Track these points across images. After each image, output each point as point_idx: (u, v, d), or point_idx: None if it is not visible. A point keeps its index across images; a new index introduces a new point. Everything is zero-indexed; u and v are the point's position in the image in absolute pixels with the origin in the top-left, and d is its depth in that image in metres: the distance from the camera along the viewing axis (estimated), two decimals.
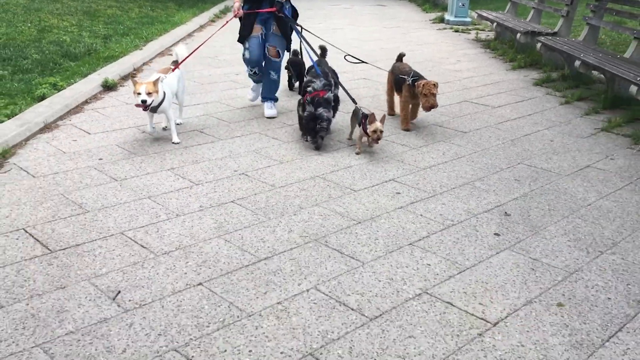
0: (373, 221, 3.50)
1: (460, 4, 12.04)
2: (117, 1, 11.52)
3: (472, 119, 5.66)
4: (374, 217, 3.54)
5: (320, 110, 4.54)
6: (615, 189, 4.12)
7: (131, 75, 6.20)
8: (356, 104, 4.86)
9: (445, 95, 6.39)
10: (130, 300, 2.64)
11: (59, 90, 5.63)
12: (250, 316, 2.57)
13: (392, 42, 9.75)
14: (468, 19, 12.06)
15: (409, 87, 5.19)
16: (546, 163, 4.57)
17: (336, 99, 4.94)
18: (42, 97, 5.38)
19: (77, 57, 7.03)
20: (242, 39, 5.27)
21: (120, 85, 6.28)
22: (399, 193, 3.90)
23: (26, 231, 3.20)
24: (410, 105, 5.30)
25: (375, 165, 4.39)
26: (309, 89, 4.67)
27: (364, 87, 6.67)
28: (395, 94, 5.55)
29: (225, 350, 2.35)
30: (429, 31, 11.28)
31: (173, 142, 4.65)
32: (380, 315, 2.61)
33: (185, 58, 4.95)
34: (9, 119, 4.76)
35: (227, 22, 5.31)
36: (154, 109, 4.54)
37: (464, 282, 2.91)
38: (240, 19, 5.22)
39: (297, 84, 6.31)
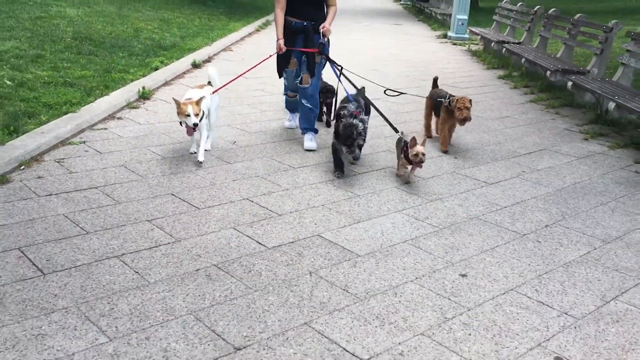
0: None
1: (460, 23, 14.98)
2: (181, 13, 14.72)
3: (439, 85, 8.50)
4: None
5: (357, 121, 4.60)
6: (517, 125, 6.93)
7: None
8: (397, 132, 5.03)
9: (426, 73, 9.25)
10: (241, 144, 5.54)
11: (165, 65, 8.64)
12: (292, 168, 5.45)
13: (400, 49, 12.69)
14: (466, 35, 14.95)
15: (446, 109, 5.60)
16: (481, 114, 7.38)
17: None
18: (156, 68, 8.38)
19: (167, 48, 10.06)
20: (280, 67, 5.56)
21: (203, 65, 9.29)
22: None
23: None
24: (449, 129, 5.74)
25: None
26: (344, 112, 4.76)
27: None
28: (434, 117, 6.08)
29: (287, 162, 5.22)
30: (432, 44, 14.23)
31: (198, 160, 4.88)
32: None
33: (223, 86, 5.43)
34: (143, 77, 7.75)
35: (270, 56, 5.65)
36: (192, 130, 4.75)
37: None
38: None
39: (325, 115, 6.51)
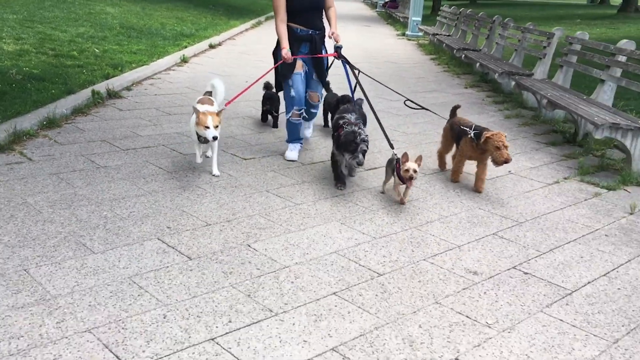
0: None
1: (414, 23, 19.14)
2: (190, 13, 18.73)
3: (386, 66, 12.55)
4: None
5: (359, 129, 4.64)
6: (427, 82, 10.95)
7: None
8: (393, 148, 4.88)
9: (379, 59, 13.31)
10: None
11: (191, 45, 12.57)
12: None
13: (363, 42, 16.78)
14: (420, 34, 19.10)
15: (470, 142, 4.99)
16: (407, 76, 11.40)
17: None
18: (186, 47, 12.29)
19: (188, 36, 13.99)
20: (283, 78, 5.49)
21: (216, 47, 13.24)
22: None
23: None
24: (477, 166, 5.11)
25: None
26: (342, 121, 4.81)
27: None
28: (456, 149, 5.39)
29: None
30: (391, 39, 18.36)
31: (213, 175, 4.99)
32: None
33: (234, 99, 5.52)
34: (179, 51, 11.68)
35: (276, 65, 5.60)
36: (207, 140, 4.66)
37: None
38: (279, 59, 5.46)
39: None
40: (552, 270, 3.79)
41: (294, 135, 5.76)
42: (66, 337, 2.75)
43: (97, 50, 10.47)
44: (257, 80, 5.89)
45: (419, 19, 19.18)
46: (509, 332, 3.07)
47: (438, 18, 17.26)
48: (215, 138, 4.58)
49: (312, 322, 3.03)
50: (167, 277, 3.36)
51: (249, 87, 5.76)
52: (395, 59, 13.61)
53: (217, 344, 2.80)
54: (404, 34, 19.63)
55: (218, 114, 4.63)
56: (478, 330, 3.07)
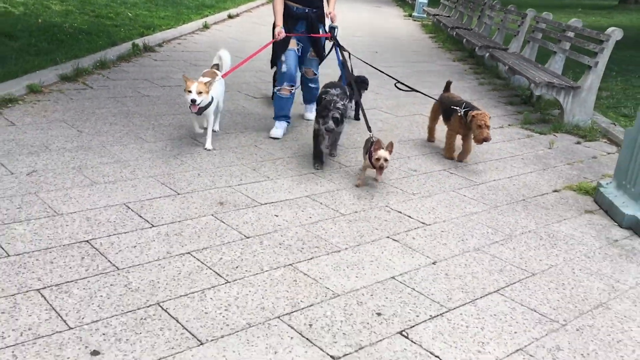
0: None
1: (421, 5, 20.54)
2: None
3: (387, 41, 14.03)
4: None
5: (337, 98, 4.83)
6: (422, 55, 12.45)
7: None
8: (370, 132, 4.89)
9: (382, 35, 14.78)
10: None
11: (212, 14, 14.13)
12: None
13: (371, 21, 18.24)
14: (425, 15, 20.49)
15: (459, 119, 5.35)
16: (406, 50, 12.88)
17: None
18: (207, 15, 13.86)
19: (209, 7, 15.54)
20: (277, 55, 5.58)
21: (235, 17, 14.78)
22: None
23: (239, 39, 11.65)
24: (463, 140, 5.53)
25: None
26: (325, 95, 4.95)
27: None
28: (444, 123, 5.74)
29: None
30: (398, 20, 19.79)
31: (205, 148, 5.16)
32: None
33: (232, 70, 5.59)
34: (201, 19, 13.23)
35: (269, 43, 5.66)
36: (199, 111, 4.91)
37: None
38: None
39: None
40: (471, 174, 5.37)
41: (281, 111, 5.73)
42: (137, 179, 4.39)
43: (130, 14, 12.06)
44: (252, 56, 5.89)
45: (426, 1, 20.55)
46: (425, 198, 4.66)
47: (441, 0, 18.67)
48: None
49: (295, 184, 4.64)
50: (199, 157, 4.98)
51: (244, 61, 5.77)
52: (397, 36, 15.08)
53: (233, 188, 4.42)
54: (410, 15, 21.02)
55: (206, 83, 4.83)
56: (405, 195, 4.67)
